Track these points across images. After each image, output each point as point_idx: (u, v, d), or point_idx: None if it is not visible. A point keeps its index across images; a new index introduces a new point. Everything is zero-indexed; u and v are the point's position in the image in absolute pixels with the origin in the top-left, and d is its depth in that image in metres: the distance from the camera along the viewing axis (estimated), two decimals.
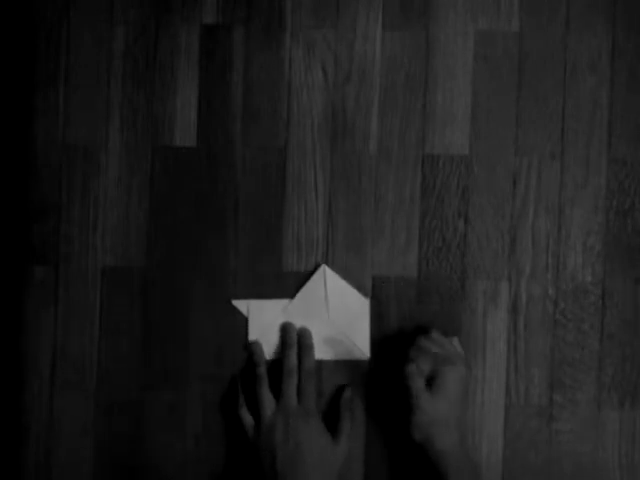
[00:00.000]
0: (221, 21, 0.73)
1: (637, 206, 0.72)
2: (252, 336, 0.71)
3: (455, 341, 0.69)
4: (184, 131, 0.72)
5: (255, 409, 0.69)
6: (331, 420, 0.69)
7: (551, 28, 0.72)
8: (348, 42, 0.72)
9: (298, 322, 0.71)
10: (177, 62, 0.73)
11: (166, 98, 0.73)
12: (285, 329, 0.71)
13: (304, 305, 0.71)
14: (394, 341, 0.71)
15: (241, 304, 0.71)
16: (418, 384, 0.64)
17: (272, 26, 0.73)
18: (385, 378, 0.71)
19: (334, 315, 0.71)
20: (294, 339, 0.70)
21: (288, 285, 0.72)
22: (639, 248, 0.72)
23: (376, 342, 0.71)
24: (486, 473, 0.71)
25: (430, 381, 0.65)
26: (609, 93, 0.72)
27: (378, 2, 0.72)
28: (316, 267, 0.72)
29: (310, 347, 0.70)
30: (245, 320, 0.71)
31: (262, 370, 0.70)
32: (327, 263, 0.72)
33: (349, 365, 0.71)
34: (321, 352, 0.71)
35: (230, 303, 0.72)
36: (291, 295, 0.72)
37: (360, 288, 0.72)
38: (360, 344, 0.71)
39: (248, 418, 0.69)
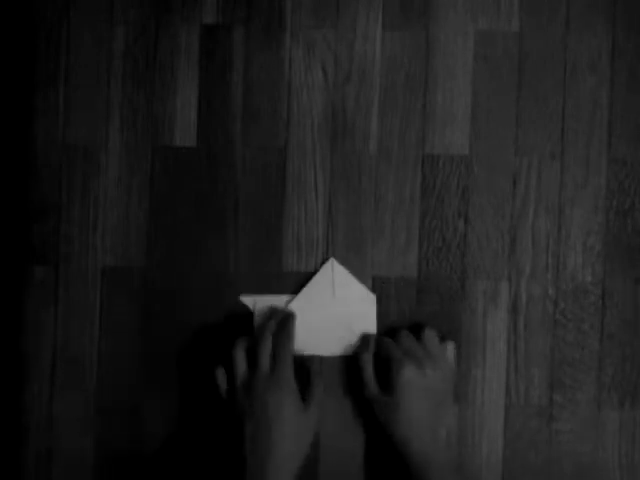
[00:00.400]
0: (221, 21, 0.73)
1: (637, 206, 0.72)
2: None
3: (450, 345, 0.69)
4: (184, 131, 0.72)
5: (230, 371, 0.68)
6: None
7: (551, 28, 0.72)
8: (348, 42, 0.72)
9: (303, 316, 0.70)
10: (177, 62, 0.73)
11: (166, 98, 0.73)
12: (273, 309, 0.70)
13: (310, 299, 0.71)
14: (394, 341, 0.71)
15: (248, 300, 0.71)
16: (367, 374, 0.66)
17: (272, 26, 0.73)
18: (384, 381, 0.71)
19: (340, 310, 0.71)
20: (278, 315, 0.69)
21: (288, 285, 0.72)
22: (639, 248, 0.72)
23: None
24: (486, 473, 0.71)
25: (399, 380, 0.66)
26: (609, 93, 0.72)
27: (378, 2, 0.72)
28: (321, 263, 0.72)
29: (291, 315, 0.69)
30: (245, 320, 0.71)
31: (244, 338, 0.68)
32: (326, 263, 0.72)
33: (353, 365, 0.71)
34: (326, 347, 0.71)
35: (230, 303, 0.72)
36: (292, 294, 0.72)
37: None
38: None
39: (222, 378, 0.67)
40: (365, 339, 0.70)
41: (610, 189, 0.72)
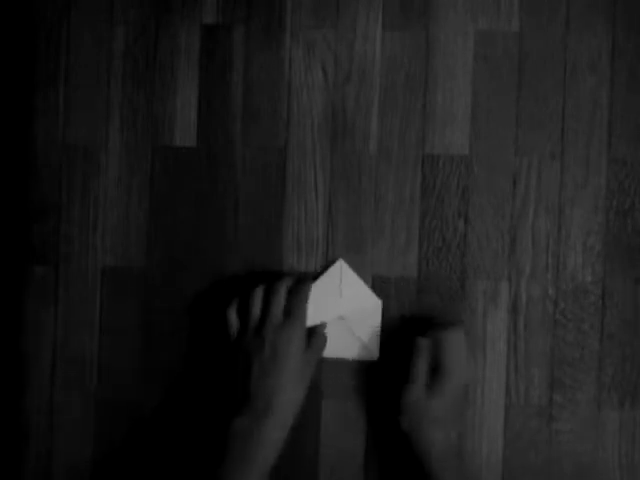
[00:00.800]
0: (221, 21, 0.73)
1: (637, 206, 0.72)
2: None
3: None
4: (184, 131, 0.72)
5: (244, 314, 0.68)
6: None
7: (551, 28, 0.72)
8: (348, 42, 0.72)
9: (309, 316, 0.70)
10: (177, 62, 0.73)
11: (166, 98, 0.73)
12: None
13: (316, 299, 0.70)
14: (394, 341, 0.71)
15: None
16: (421, 367, 0.65)
17: (272, 26, 0.73)
18: (385, 379, 0.71)
19: (346, 312, 0.71)
20: (289, 281, 0.69)
21: None
22: (639, 248, 0.72)
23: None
24: (486, 473, 0.71)
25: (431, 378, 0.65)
26: (609, 93, 0.72)
27: (378, 2, 0.72)
28: (321, 263, 0.72)
29: (308, 280, 0.69)
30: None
31: (261, 287, 0.68)
32: (327, 263, 0.72)
33: (353, 365, 0.71)
34: (328, 349, 0.71)
35: (230, 303, 0.71)
36: None
37: None
38: (370, 344, 0.71)
39: (234, 320, 0.68)
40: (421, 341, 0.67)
41: (610, 189, 0.72)
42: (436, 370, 0.65)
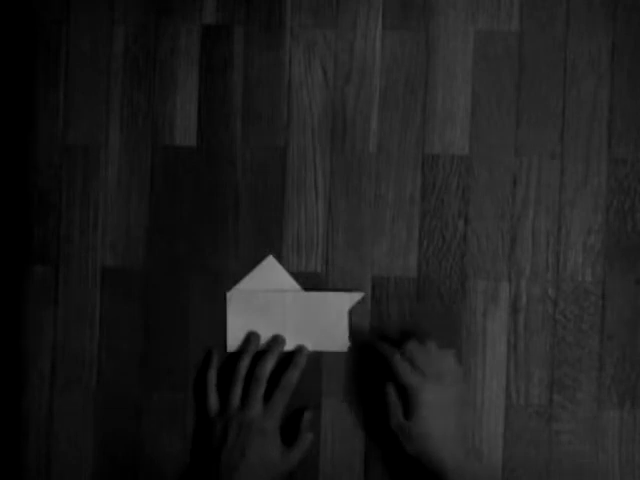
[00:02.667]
0: (221, 21, 0.73)
1: (637, 206, 0.72)
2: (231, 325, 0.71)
3: (450, 354, 0.68)
4: (184, 131, 0.72)
5: (224, 397, 0.69)
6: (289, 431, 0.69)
7: (551, 28, 0.72)
8: (348, 42, 0.72)
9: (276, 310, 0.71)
10: (177, 62, 0.73)
11: (166, 98, 0.73)
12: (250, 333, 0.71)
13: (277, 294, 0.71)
14: (394, 341, 0.71)
15: (228, 295, 0.71)
16: (393, 404, 0.66)
17: (272, 26, 0.73)
18: (384, 380, 0.71)
19: (315, 305, 0.71)
20: (252, 349, 0.70)
21: None
22: (639, 248, 0.72)
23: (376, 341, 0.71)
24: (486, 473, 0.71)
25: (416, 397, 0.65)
26: (609, 93, 0.72)
27: (378, 2, 0.72)
28: (322, 263, 0.72)
29: (268, 356, 0.69)
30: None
31: (243, 364, 0.69)
32: (327, 263, 0.72)
33: (353, 364, 0.71)
34: (299, 340, 0.71)
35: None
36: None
37: (360, 288, 0.72)
38: (339, 335, 0.71)
39: (214, 403, 0.69)
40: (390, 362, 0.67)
41: (610, 189, 0.72)
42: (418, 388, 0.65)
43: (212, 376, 0.70)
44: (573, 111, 0.72)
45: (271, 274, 0.71)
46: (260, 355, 0.69)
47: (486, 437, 0.71)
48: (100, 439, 0.72)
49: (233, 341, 0.71)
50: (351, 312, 0.71)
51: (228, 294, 0.71)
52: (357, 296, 0.71)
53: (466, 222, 0.72)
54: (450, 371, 0.67)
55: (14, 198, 0.72)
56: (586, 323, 0.72)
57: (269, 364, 0.68)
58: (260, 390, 0.68)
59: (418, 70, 0.72)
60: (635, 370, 0.71)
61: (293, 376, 0.69)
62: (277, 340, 0.70)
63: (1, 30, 0.72)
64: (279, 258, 0.72)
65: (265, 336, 0.71)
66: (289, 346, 0.71)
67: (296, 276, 0.72)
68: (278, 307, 0.71)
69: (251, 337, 0.70)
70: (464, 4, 0.72)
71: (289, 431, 0.69)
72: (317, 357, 0.71)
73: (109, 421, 0.72)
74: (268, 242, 0.72)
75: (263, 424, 0.67)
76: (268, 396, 0.68)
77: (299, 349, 0.70)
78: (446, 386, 0.65)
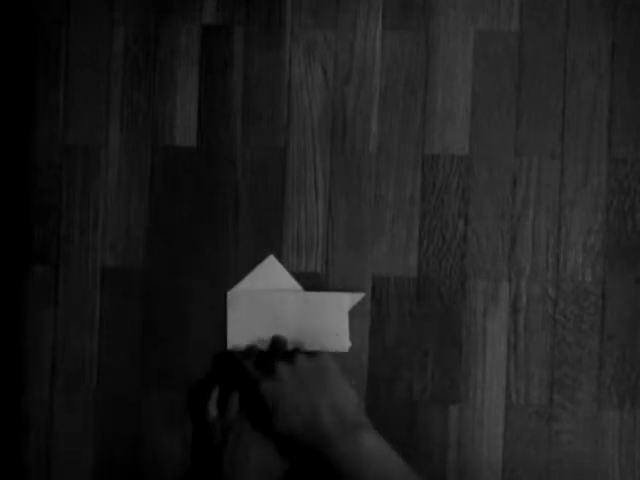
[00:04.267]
0: (221, 21, 0.73)
1: (637, 206, 0.72)
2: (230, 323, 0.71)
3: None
4: (184, 131, 0.73)
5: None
6: None
7: (551, 28, 0.72)
8: (348, 42, 0.72)
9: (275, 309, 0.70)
10: (177, 62, 0.73)
11: (166, 98, 0.73)
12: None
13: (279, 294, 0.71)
14: (394, 341, 0.71)
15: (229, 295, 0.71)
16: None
17: (272, 26, 0.73)
18: (385, 381, 0.71)
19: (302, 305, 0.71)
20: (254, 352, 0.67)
21: None
22: (639, 248, 0.72)
23: (377, 341, 0.71)
24: (486, 473, 0.71)
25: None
26: (609, 93, 0.72)
27: (378, 2, 0.72)
28: (322, 263, 0.72)
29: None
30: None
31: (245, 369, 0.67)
32: (327, 263, 0.72)
33: (353, 365, 0.71)
34: (300, 340, 0.70)
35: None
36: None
37: (360, 288, 0.72)
38: (340, 335, 0.71)
39: (214, 414, 0.64)
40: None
41: (610, 189, 0.72)
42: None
43: (212, 381, 0.69)
44: (573, 111, 0.72)
45: (272, 274, 0.71)
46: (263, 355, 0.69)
47: (486, 437, 0.71)
48: (100, 439, 0.72)
49: (233, 340, 0.71)
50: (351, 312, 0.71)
51: (229, 293, 0.71)
52: (358, 297, 0.71)
53: (466, 222, 0.72)
54: (304, 357, 0.63)
55: (14, 198, 0.72)
56: (586, 323, 0.72)
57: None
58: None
59: (418, 70, 0.72)
60: (635, 370, 0.71)
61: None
62: (278, 341, 0.70)
63: (1, 30, 0.72)
64: (279, 258, 0.72)
65: (265, 335, 0.71)
66: (289, 346, 0.71)
67: (296, 276, 0.72)
68: (279, 307, 0.71)
69: (252, 349, 0.69)
70: (464, 4, 0.72)
71: None
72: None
73: (109, 421, 0.72)
74: (268, 242, 0.72)
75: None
76: None
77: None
78: (286, 370, 0.62)
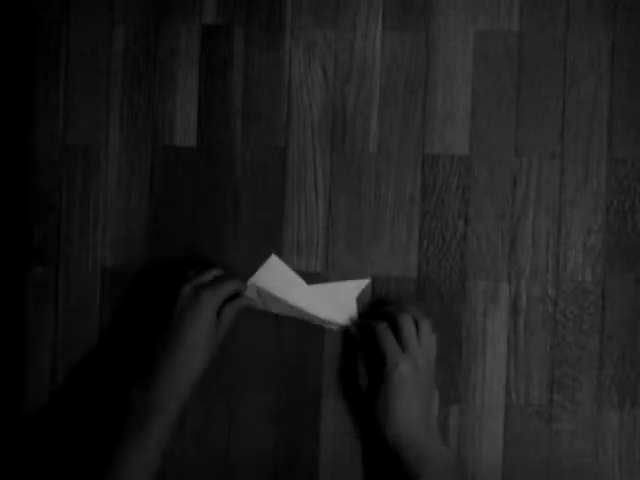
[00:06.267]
0: (221, 21, 0.73)
1: (637, 206, 0.72)
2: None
3: (434, 339, 0.68)
4: (184, 131, 0.72)
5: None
6: None
7: (551, 28, 0.72)
8: (348, 42, 0.72)
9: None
10: (177, 62, 0.73)
11: (166, 98, 0.73)
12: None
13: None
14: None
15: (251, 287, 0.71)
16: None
17: (272, 26, 0.73)
18: None
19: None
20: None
21: None
22: (639, 248, 0.72)
23: None
24: (486, 473, 0.71)
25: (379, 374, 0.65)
26: (609, 93, 0.72)
27: (378, 2, 0.72)
28: (322, 263, 0.72)
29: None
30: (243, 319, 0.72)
31: (209, 275, 0.67)
32: (327, 263, 0.72)
33: (353, 365, 0.71)
34: (308, 307, 0.71)
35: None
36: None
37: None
38: (345, 310, 0.71)
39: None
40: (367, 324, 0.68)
41: (610, 189, 0.72)
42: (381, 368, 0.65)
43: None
44: (573, 111, 0.72)
45: (276, 273, 0.71)
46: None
47: (486, 437, 0.71)
48: (100, 439, 0.71)
49: None
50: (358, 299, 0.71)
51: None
52: (364, 282, 0.71)
53: (466, 222, 0.72)
54: (428, 354, 0.67)
55: (14, 198, 0.72)
56: (586, 323, 0.72)
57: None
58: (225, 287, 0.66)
59: (418, 70, 0.72)
60: (635, 370, 0.71)
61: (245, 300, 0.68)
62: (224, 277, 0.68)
63: (1, 30, 0.72)
64: (279, 258, 0.72)
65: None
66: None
67: None
68: (290, 299, 0.71)
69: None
70: (464, 4, 0.72)
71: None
72: (318, 356, 0.71)
73: (109, 421, 0.71)
74: (268, 242, 0.72)
75: (205, 295, 0.65)
76: None
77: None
78: (420, 367, 0.65)
